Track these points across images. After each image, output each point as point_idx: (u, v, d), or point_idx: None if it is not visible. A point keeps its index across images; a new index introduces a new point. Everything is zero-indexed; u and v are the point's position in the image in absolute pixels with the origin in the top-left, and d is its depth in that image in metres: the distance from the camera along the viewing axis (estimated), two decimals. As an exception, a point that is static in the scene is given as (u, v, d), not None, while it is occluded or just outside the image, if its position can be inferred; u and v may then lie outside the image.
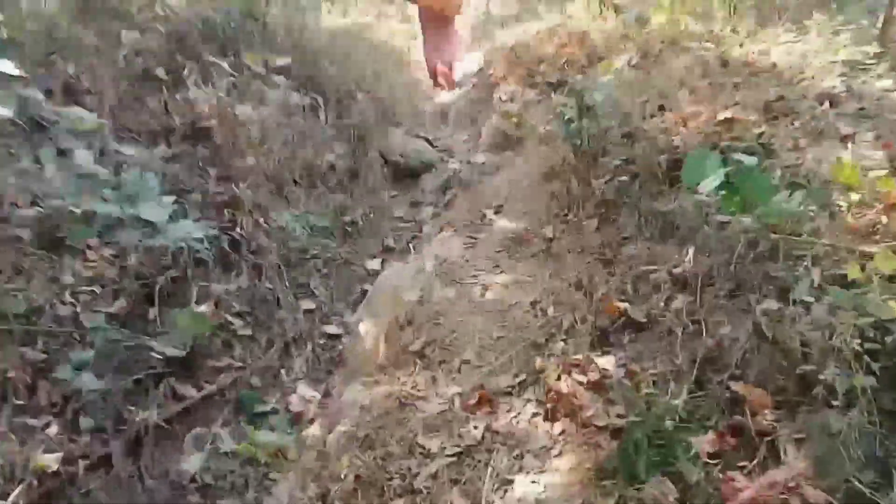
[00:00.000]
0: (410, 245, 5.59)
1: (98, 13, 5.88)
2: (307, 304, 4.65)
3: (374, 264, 5.36)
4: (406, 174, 6.70)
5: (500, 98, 7.59)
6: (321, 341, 4.43)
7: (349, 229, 5.67)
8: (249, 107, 5.23)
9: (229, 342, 4.07)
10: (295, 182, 5.50)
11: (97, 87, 5.09)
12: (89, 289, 3.76)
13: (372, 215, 5.99)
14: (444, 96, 9.20)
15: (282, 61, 5.10)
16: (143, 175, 3.73)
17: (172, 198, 3.91)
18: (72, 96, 4.99)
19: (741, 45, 6.59)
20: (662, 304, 3.09)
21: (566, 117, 4.63)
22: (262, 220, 4.79)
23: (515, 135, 6.80)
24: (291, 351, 4.29)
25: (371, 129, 6.75)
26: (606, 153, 4.46)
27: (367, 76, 7.36)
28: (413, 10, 7.88)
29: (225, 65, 5.30)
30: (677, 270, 3.17)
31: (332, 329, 4.54)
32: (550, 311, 3.37)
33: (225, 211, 4.65)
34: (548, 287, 3.58)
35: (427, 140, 7.32)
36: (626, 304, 3.16)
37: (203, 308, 3.90)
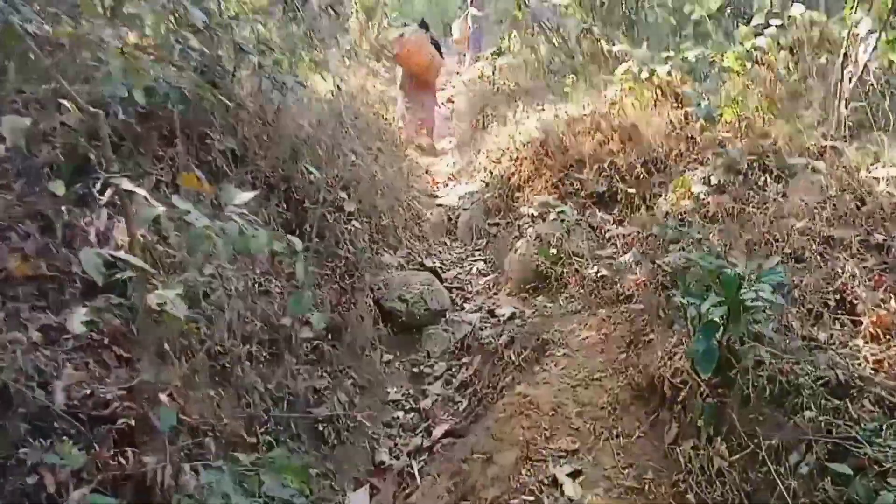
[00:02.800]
0: (413, 462, 3.74)
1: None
2: None
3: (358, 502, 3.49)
4: (406, 327, 4.85)
5: (528, 213, 5.79)
6: None
7: (324, 429, 3.80)
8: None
9: None
10: (251, 359, 3.63)
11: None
12: None
13: (358, 397, 4.13)
14: (449, 196, 7.40)
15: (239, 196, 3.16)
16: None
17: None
18: None
19: (867, 170, 4.87)
20: None
21: (700, 319, 2.82)
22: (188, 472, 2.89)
23: (553, 272, 5.01)
24: None
25: (362, 260, 4.92)
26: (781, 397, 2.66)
27: (360, 176, 5.54)
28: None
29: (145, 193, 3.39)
30: None
31: None
32: None
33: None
34: None
35: (433, 271, 5.48)
36: None
37: None
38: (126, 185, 2.93)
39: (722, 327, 2.69)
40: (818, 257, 3.59)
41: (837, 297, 3.26)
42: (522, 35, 11.33)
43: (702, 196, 4.74)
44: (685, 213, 4.75)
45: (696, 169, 5.18)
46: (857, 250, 3.67)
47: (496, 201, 6.55)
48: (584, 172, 5.93)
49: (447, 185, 8.08)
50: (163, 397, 2.91)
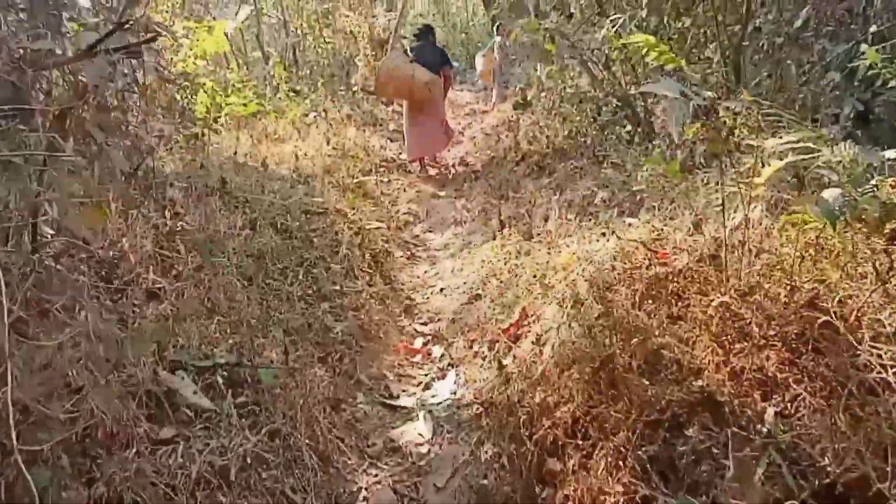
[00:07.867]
0: None
1: None
2: None
3: None
4: None
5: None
6: None
7: None
8: None
9: None
10: None
11: None
12: None
13: None
14: (417, 413, 3.56)
15: None
16: None
17: None
18: None
19: None
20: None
21: None
22: None
23: None
24: None
25: None
26: None
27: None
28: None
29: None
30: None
31: None
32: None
33: None
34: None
35: None
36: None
37: None
38: None
39: None
40: None
41: None
42: (556, 74, 7.51)
43: None
44: None
45: None
46: None
47: (505, 478, 2.75)
48: (715, 457, 2.14)
49: (429, 352, 4.31)
50: None
